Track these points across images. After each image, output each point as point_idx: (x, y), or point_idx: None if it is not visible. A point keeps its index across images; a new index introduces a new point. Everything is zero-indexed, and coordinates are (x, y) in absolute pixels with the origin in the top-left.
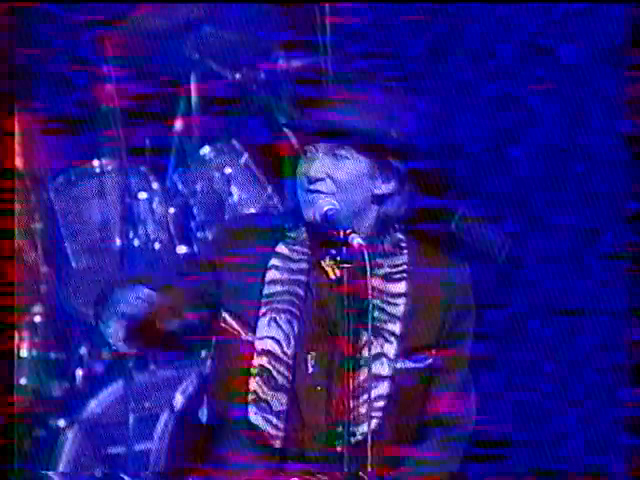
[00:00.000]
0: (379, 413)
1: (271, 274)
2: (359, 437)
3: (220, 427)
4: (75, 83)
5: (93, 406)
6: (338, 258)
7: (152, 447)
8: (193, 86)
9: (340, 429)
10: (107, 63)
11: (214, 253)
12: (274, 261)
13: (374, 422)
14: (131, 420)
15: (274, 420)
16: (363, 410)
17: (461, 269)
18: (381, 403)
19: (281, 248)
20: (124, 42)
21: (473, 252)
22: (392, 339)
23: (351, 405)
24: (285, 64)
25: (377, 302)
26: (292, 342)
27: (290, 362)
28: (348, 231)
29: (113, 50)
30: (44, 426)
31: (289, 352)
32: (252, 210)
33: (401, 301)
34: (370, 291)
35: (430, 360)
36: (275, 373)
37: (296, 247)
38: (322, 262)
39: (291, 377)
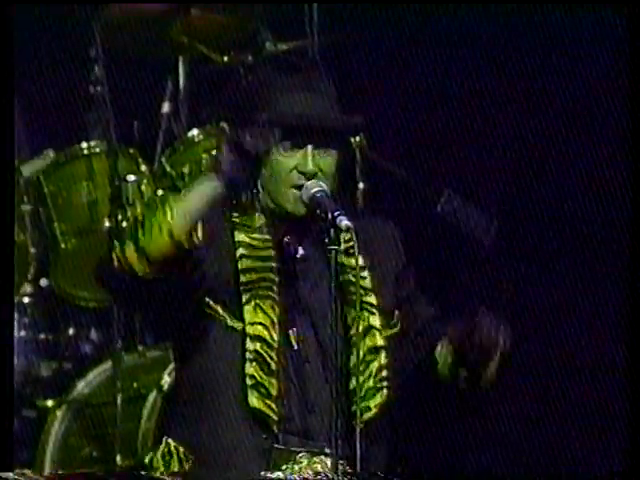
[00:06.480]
0: (385, 383)
1: (244, 263)
2: (373, 411)
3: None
4: (64, 65)
5: (81, 387)
6: (326, 240)
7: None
8: (181, 69)
9: (354, 407)
10: (96, 45)
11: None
12: (242, 251)
13: (384, 393)
14: (119, 401)
15: (273, 405)
16: (371, 383)
17: (390, 222)
18: (384, 373)
19: (242, 237)
20: (113, 25)
21: (459, 235)
22: (374, 310)
23: (359, 381)
24: (272, 47)
25: (351, 278)
26: (277, 327)
27: (278, 347)
28: (336, 213)
29: (102, 33)
30: (33, 406)
31: (276, 338)
32: None
33: (366, 273)
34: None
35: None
36: (268, 358)
37: (255, 235)
38: (285, 240)
39: (283, 361)
